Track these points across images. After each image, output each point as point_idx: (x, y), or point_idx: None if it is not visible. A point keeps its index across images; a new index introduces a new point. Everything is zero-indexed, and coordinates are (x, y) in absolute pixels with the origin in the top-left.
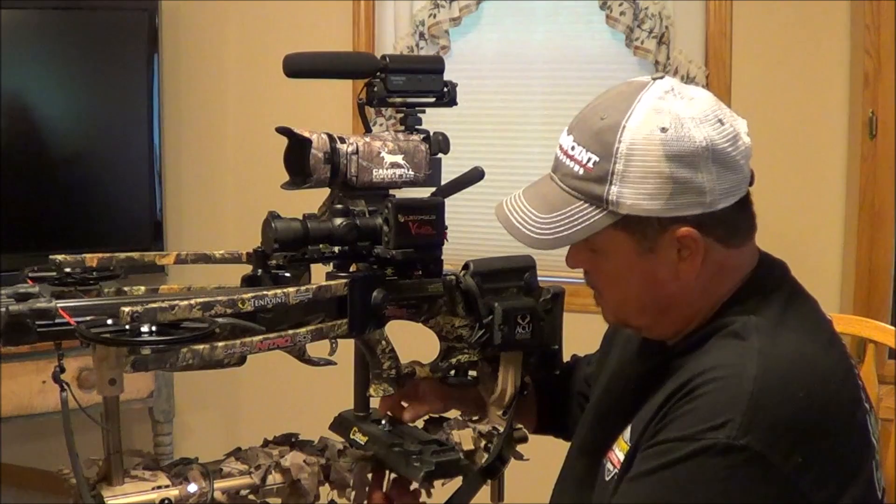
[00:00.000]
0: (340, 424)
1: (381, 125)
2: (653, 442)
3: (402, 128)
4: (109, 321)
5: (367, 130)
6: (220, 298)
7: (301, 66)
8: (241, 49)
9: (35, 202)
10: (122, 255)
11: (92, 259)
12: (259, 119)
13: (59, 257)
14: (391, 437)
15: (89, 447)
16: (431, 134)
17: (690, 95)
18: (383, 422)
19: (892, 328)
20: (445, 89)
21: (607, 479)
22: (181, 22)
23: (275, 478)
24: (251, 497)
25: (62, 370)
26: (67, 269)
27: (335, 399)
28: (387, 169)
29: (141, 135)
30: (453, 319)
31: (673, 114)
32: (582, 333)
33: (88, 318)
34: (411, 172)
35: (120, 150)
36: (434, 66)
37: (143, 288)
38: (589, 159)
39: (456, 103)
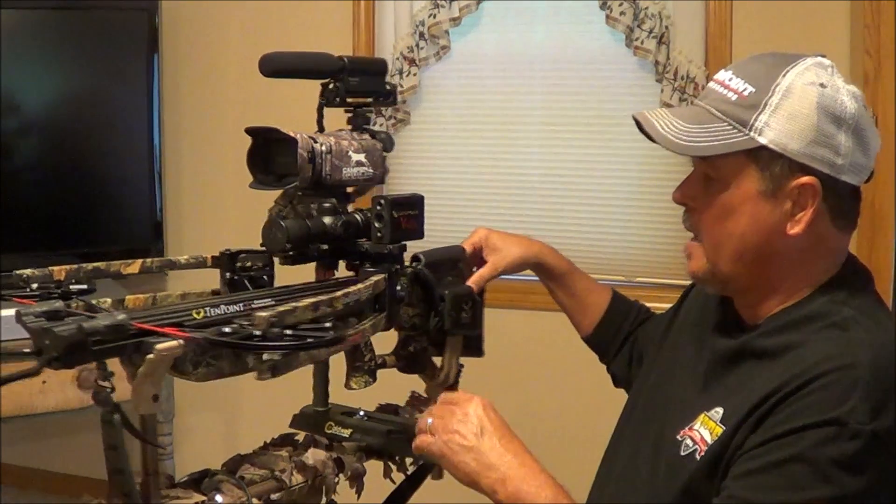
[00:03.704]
0: (307, 421)
1: (380, 125)
2: (774, 434)
3: (350, 127)
4: (227, 329)
5: (320, 131)
6: (322, 298)
7: (273, 66)
8: (241, 49)
9: (35, 202)
10: (90, 265)
11: (60, 272)
12: (259, 119)
13: (27, 272)
14: (379, 425)
15: (90, 447)
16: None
17: (847, 80)
18: (361, 413)
19: None
20: (388, 88)
21: (683, 454)
22: (181, 22)
23: (296, 478)
24: (284, 500)
25: (112, 390)
26: (35, 284)
27: (334, 398)
28: (353, 167)
29: (141, 135)
30: (408, 309)
31: (832, 80)
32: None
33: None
34: (371, 171)
35: (120, 151)
36: (381, 68)
37: (109, 300)
38: (745, 89)
39: (396, 103)
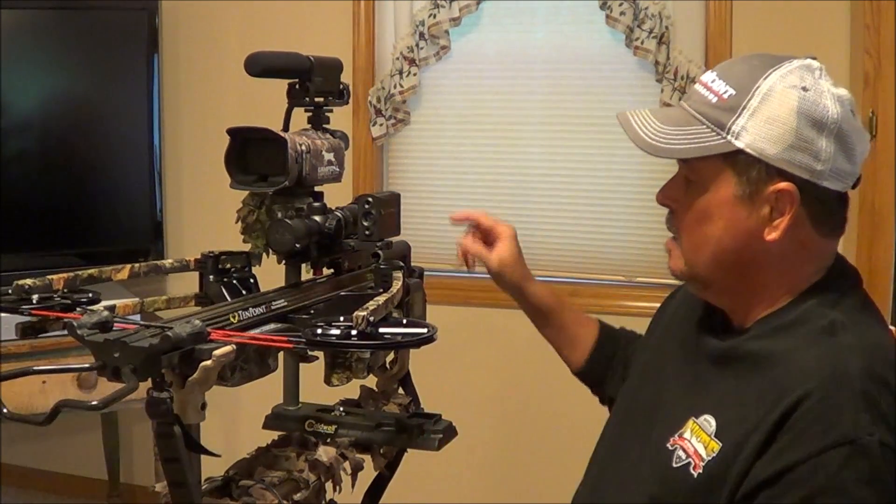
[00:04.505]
0: (283, 421)
1: (381, 125)
2: (785, 466)
3: (310, 126)
4: (320, 330)
5: (285, 130)
6: (388, 297)
7: (261, 66)
8: (241, 49)
9: (35, 202)
10: (85, 273)
11: (59, 281)
12: (258, 119)
13: (28, 282)
14: (364, 420)
15: (90, 447)
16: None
17: (836, 83)
18: (341, 409)
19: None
20: (341, 88)
21: (676, 465)
22: (181, 22)
23: (310, 476)
24: (305, 500)
25: (172, 400)
26: (35, 295)
27: (332, 398)
28: (326, 167)
29: (141, 135)
30: None
31: (817, 83)
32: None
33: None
34: (338, 169)
35: (120, 151)
36: (339, 69)
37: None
38: (726, 91)
39: (347, 102)
